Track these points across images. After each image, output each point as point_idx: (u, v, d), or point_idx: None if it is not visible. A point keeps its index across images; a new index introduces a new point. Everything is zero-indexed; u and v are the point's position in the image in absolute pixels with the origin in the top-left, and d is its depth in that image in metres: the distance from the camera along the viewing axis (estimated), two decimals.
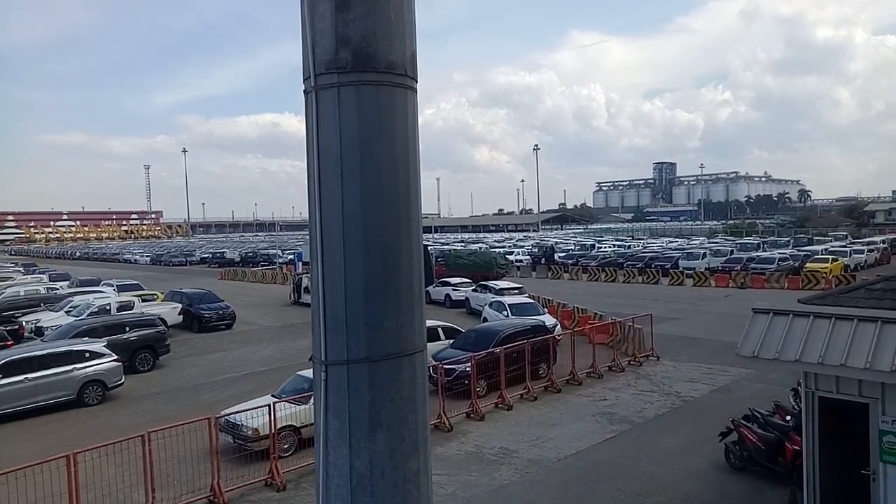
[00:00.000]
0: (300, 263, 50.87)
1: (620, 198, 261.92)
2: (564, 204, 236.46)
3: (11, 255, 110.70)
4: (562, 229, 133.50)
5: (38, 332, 23.44)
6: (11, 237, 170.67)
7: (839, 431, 8.35)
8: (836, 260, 39.71)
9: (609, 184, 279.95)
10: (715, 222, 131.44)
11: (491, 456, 12.68)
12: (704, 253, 47.97)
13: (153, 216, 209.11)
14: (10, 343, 20.37)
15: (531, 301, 26.37)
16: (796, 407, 11.60)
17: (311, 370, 12.66)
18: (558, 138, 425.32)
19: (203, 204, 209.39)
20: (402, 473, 3.46)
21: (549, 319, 22.89)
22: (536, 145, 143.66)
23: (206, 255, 79.17)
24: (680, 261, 46.14)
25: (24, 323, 24.14)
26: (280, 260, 65.58)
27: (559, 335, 20.49)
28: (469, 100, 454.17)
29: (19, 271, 52.90)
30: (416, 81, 3.51)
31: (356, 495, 3.41)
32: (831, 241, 56.95)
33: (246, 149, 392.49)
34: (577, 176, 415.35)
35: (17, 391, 15.88)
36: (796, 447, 10.06)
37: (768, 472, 11.00)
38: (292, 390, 13.82)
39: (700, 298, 33.90)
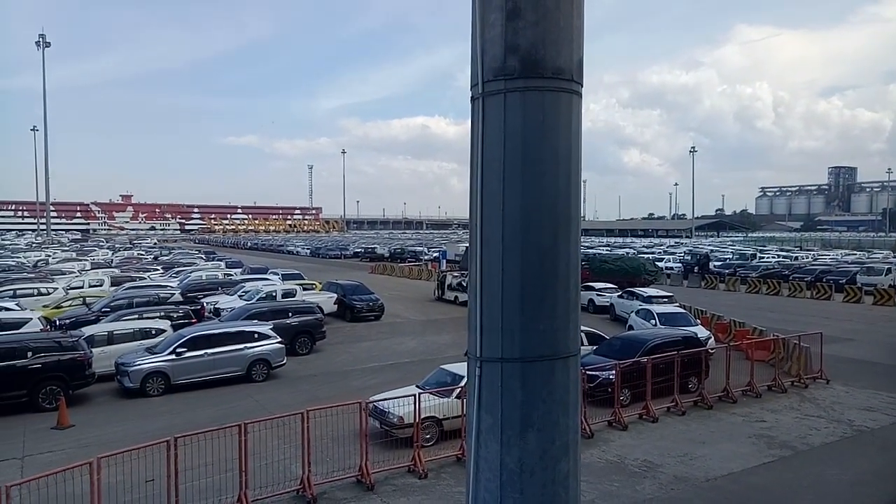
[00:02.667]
0: (444, 261, 52.32)
1: (788, 204, 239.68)
2: (722, 210, 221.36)
3: (195, 243, 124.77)
4: (718, 237, 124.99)
5: (216, 312, 26.24)
6: (196, 227, 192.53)
7: None
8: None
9: (775, 189, 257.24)
10: None
11: (634, 468, 12.24)
12: (889, 268, 42.52)
13: (313, 212, 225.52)
14: (193, 321, 23.01)
15: (682, 311, 25.02)
16: None
17: (453, 365, 13.07)
18: (716, 140, 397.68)
19: (357, 202, 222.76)
20: (551, 474, 3.49)
21: (701, 331, 21.57)
22: (693, 147, 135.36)
23: (358, 250, 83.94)
24: (858, 276, 41.29)
25: (204, 304, 27.12)
26: (426, 257, 67.88)
27: (712, 348, 19.26)
28: (619, 101, 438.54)
29: (202, 258, 59.55)
30: (582, 86, 3.52)
31: (506, 491, 3.50)
32: None
33: (397, 150, 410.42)
34: (736, 181, 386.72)
35: (199, 364, 17.92)
36: None
37: None
38: (435, 383, 14.29)
39: (881, 319, 30.16)
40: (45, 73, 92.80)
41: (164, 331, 20.00)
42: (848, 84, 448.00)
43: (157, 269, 43.92)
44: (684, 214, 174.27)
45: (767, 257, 60.64)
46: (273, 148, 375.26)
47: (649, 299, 27.51)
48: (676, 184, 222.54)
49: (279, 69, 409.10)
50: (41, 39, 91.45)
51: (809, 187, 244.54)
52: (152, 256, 63.95)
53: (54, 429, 14.56)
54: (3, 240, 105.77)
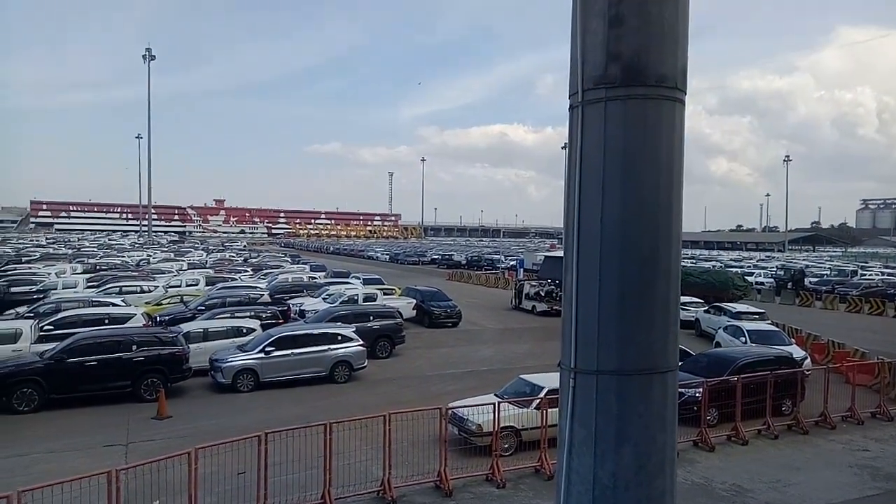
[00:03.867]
0: (522, 270, 51.94)
1: (893, 218, 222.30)
2: (818, 223, 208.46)
3: (282, 246, 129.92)
4: (814, 251, 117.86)
5: (301, 314, 27.16)
6: (282, 231, 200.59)
7: None
8: None
9: (879, 201, 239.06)
10: None
11: (722, 491, 11.70)
12: None
13: (392, 218, 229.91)
14: (280, 321, 23.95)
15: (775, 329, 23.69)
16: None
17: (532, 375, 12.95)
18: (812, 149, 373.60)
19: (435, 209, 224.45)
20: (646, 491, 3.41)
21: (796, 351, 20.35)
22: (787, 156, 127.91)
23: (436, 257, 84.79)
24: None
25: (291, 305, 28.15)
26: (503, 265, 67.64)
27: (808, 370, 18.13)
28: (706, 107, 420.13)
29: (287, 261, 61.89)
30: (685, 93, 3.44)
31: None
32: None
33: (475, 158, 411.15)
34: (835, 192, 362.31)
35: (285, 363, 18.63)
36: None
37: None
38: (514, 392, 14.20)
39: None
40: (150, 85, 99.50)
41: (253, 330, 20.90)
42: None
43: (247, 271, 45.93)
44: (776, 227, 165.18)
45: (870, 274, 56.55)
46: (355, 155, 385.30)
47: (738, 315, 26.24)
48: (768, 194, 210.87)
49: (363, 78, 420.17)
50: (147, 53, 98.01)
51: None
52: (242, 258, 67.00)
53: (154, 419, 15.51)
54: (109, 240, 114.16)
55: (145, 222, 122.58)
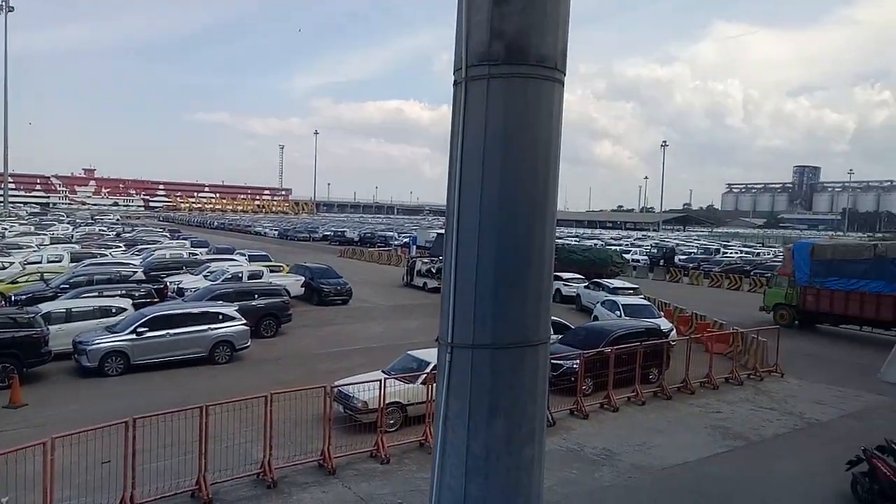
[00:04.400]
0: (414, 247, 52.23)
1: (752, 201, 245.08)
2: (689, 205, 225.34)
3: (160, 220, 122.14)
4: (684, 231, 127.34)
5: (180, 292, 25.73)
6: (161, 205, 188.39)
7: None
8: None
9: (741, 186, 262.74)
10: (860, 234, 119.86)
11: (593, 455, 12.46)
12: None
13: (283, 193, 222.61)
14: (155, 300, 22.55)
15: (646, 303, 25.46)
16: None
17: (419, 351, 13.09)
18: (686, 136, 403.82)
19: (328, 184, 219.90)
20: (516, 460, 3.53)
21: (664, 323, 21.99)
22: (664, 142, 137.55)
23: (327, 233, 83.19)
24: None
25: (168, 283, 26.58)
26: (396, 242, 67.66)
27: (674, 340, 19.66)
28: (594, 92, 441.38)
29: (166, 236, 58.33)
30: (565, 75, 3.51)
31: (471, 476, 3.52)
32: None
33: (370, 133, 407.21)
34: (704, 176, 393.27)
35: (160, 344, 17.58)
36: None
37: None
38: (401, 368, 14.29)
39: None
40: (7, 40, 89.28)
41: (124, 309, 19.54)
42: (817, 85, 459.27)
43: (120, 246, 42.89)
44: (653, 208, 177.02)
45: (730, 252, 62.04)
46: (245, 126, 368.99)
47: (615, 291, 27.91)
48: (646, 177, 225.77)
49: (256, 46, 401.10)
50: (4, 3, 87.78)
51: (774, 185, 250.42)
52: (114, 233, 62.41)
53: (6, 408, 14.15)
54: None
55: (0, 192, 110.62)
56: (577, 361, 15.26)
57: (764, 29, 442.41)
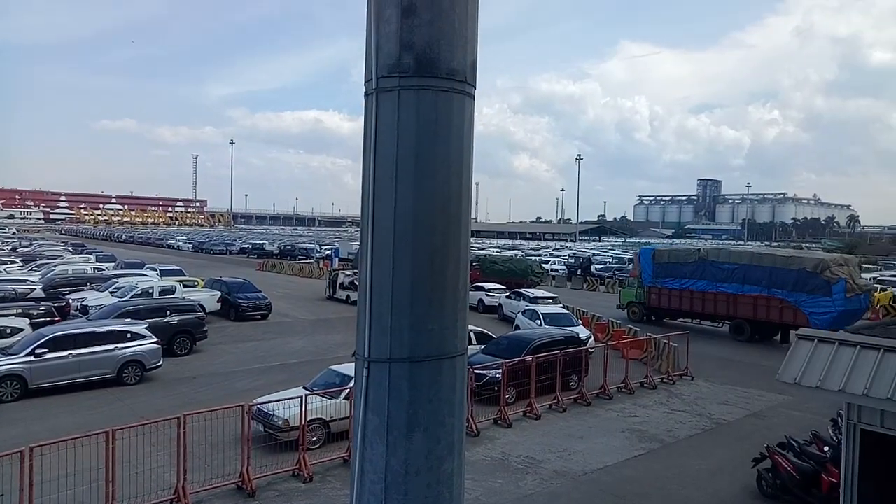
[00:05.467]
0: (336, 259, 51.50)
1: (662, 213, 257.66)
2: (604, 216, 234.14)
3: (62, 234, 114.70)
4: (600, 241, 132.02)
5: (84, 310, 24.21)
6: (63, 217, 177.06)
7: (880, 466, 8.08)
8: (886, 290, 38.31)
9: (651, 198, 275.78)
10: (759, 243, 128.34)
11: (517, 464, 12.63)
12: None
13: (197, 205, 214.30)
14: (57, 319, 21.11)
15: (565, 311, 26.18)
16: (835, 438, 11.27)
17: (342, 365, 12.87)
18: (599, 149, 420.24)
19: (246, 195, 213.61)
20: (436, 475, 3.50)
21: (582, 331, 22.68)
22: (579, 155, 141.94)
23: (245, 246, 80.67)
24: None
25: (70, 301, 24.94)
26: (317, 255, 66.43)
27: (592, 348, 20.29)
28: (511, 106, 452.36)
29: (68, 250, 54.81)
30: (475, 88, 3.56)
31: (390, 493, 3.46)
32: (881, 269, 55.00)
33: (289, 144, 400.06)
34: (617, 188, 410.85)
35: (62, 366, 16.45)
36: (833, 479, 9.78)
37: (801, 502, 10.70)
38: (323, 384, 14.01)
39: None
40: None
41: (21, 329, 18.21)
42: (716, 102, 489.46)
43: (16, 262, 39.95)
44: (570, 219, 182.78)
45: None
46: (153, 134, 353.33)
47: (535, 300, 28.54)
48: (563, 189, 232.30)
49: (164, 50, 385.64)
50: None
51: (680, 197, 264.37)
52: (10, 248, 58.06)
53: None
54: None
55: None
56: (500, 371, 15.45)
57: (667, 49, 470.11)
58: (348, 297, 34.99)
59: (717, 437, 14.74)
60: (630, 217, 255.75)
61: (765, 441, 11.96)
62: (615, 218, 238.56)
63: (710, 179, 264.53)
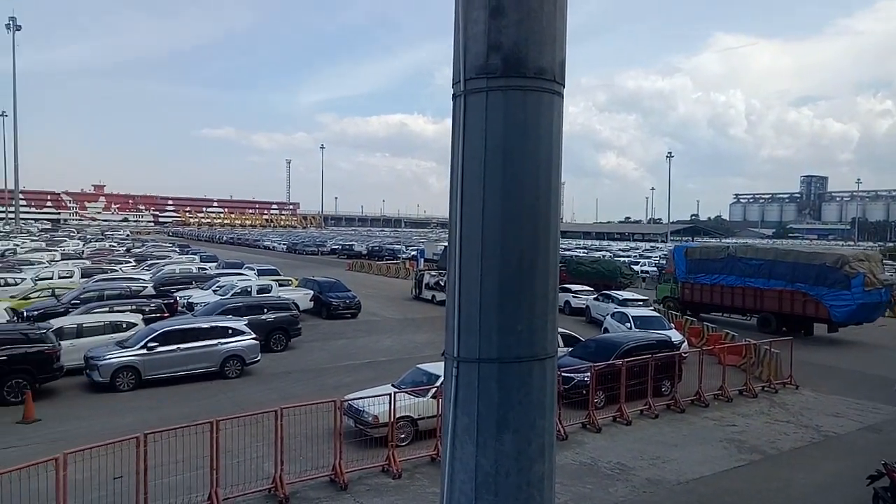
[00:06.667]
0: (422, 260, 52.25)
1: (761, 211, 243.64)
2: (697, 215, 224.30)
3: (170, 236, 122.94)
4: (693, 242, 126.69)
5: (190, 307, 25.84)
6: (170, 220, 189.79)
7: None
8: None
9: (748, 196, 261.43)
10: (870, 243, 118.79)
11: (607, 470, 12.33)
12: None
13: (290, 207, 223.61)
14: (165, 315, 22.64)
15: (657, 314, 25.29)
16: None
17: (429, 364, 13.05)
18: (691, 146, 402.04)
19: (335, 198, 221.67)
20: (526, 477, 3.48)
21: (675, 335, 21.82)
22: (670, 152, 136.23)
23: (336, 247, 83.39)
24: None
25: (178, 298, 26.68)
26: (404, 255, 67.70)
27: (685, 352, 19.49)
28: (596, 104, 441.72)
29: (175, 251, 58.67)
30: (564, 87, 3.51)
31: (480, 493, 3.47)
32: None
33: (375, 147, 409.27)
34: (711, 186, 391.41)
35: (171, 359, 17.64)
36: None
37: None
38: (411, 382, 14.24)
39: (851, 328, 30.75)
40: (16, 57, 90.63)
41: (135, 324, 19.63)
42: (819, 94, 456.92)
43: (130, 262, 43.18)
44: (660, 219, 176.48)
45: None
46: (250, 141, 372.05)
47: (625, 302, 27.76)
48: (653, 188, 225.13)
49: (259, 62, 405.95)
50: (11, 22, 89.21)
51: (782, 195, 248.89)
52: (124, 248, 62.87)
53: (19, 423, 14.22)
54: None
55: (12, 209, 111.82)
56: (588, 374, 15.15)
57: (764, 40, 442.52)
58: (434, 296, 35.41)
59: (826, 450, 13.77)
60: (725, 216, 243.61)
61: (882, 457, 11.03)
62: (709, 217, 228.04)
63: (815, 176, 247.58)
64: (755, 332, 26.29)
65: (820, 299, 25.75)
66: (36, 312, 22.42)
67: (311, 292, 30.13)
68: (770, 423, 15.52)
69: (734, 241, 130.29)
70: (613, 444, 13.77)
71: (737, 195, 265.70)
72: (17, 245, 59.12)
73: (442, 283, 35.51)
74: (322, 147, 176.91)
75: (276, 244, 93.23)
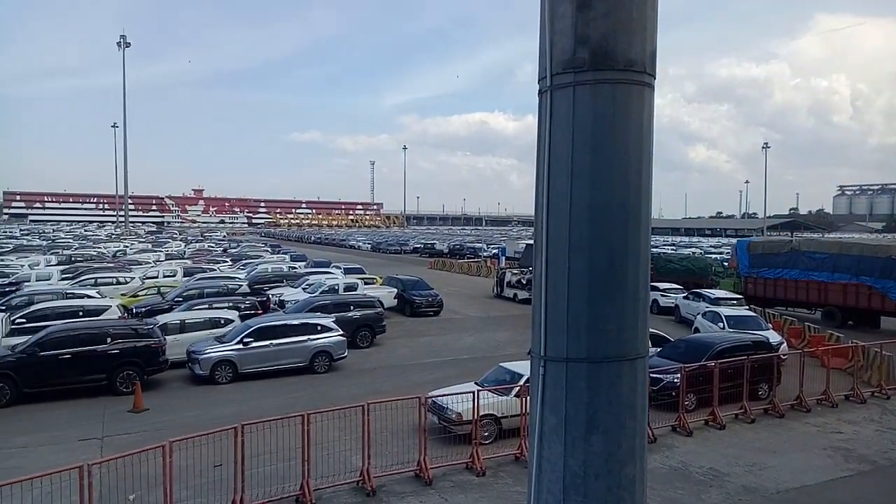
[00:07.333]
0: (503, 258, 52.05)
1: (869, 204, 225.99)
2: (796, 209, 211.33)
3: (262, 236, 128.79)
4: (792, 237, 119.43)
5: (281, 304, 26.95)
6: (262, 221, 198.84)
7: None
8: None
9: (854, 187, 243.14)
10: None
11: (699, 475, 11.84)
12: None
13: (375, 207, 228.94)
14: (259, 312, 23.72)
15: (752, 314, 24.01)
16: None
17: (512, 363, 12.98)
18: (789, 136, 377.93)
19: (417, 197, 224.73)
20: (616, 479, 3.40)
21: (773, 336, 20.65)
22: (766, 143, 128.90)
23: (418, 245, 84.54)
24: None
25: (270, 296, 27.90)
26: (485, 253, 67.70)
27: (784, 354, 18.40)
28: (685, 95, 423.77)
29: (268, 251, 61.36)
30: (655, 78, 3.39)
31: (568, 494, 3.42)
32: None
33: (456, 146, 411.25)
34: (811, 178, 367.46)
35: (265, 354, 18.48)
36: None
37: None
38: (494, 380, 14.23)
39: None
40: (125, 73, 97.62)
41: (232, 321, 20.69)
42: None
43: (226, 261, 45.47)
44: (755, 214, 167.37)
45: None
46: (335, 144, 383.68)
47: (717, 301, 26.54)
48: (747, 181, 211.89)
49: (344, 67, 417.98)
50: (122, 40, 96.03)
51: (893, 186, 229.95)
52: (222, 249, 66.31)
53: (130, 412, 15.32)
54: (85, 231, 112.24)
55: (122, 213, 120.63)
56: (678, 376, 14.61)
57: (872, 19, 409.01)
58: (515, 295, 35.20)
59: None
60: (829, 209, 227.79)
61: None
62: (810, 211, 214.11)
63: None
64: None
65: (885, 292, 25.71)
66: (143, 309, 24.07)
67: (395, 290, 30.70)
68: (881, 431, 14.41)
69: (837, 235, 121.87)
70: (705, 449, 13.20)
71: (841, 187, 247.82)
72: (127, 246, 63.71)
73: (524, 282, 35.25)
74: (404, 148, 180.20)
75: (361, 243, 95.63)
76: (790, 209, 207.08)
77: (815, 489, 11.33)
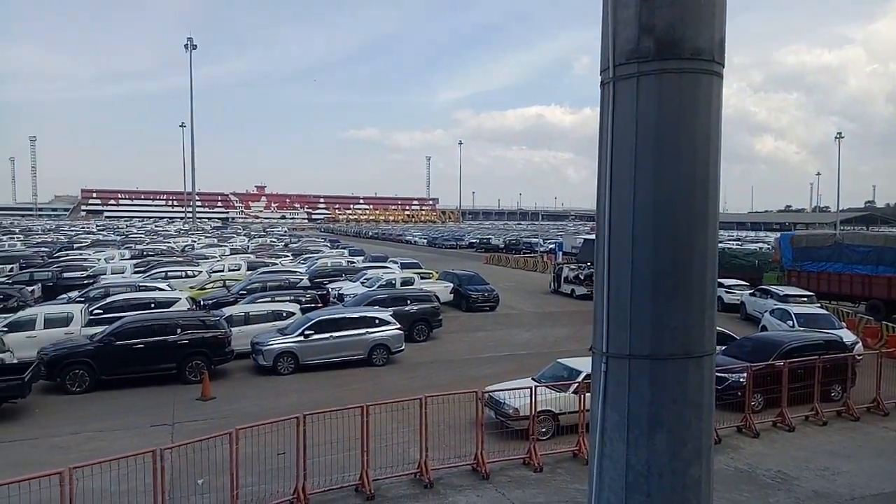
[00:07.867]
0: (560, 253, 51.45)
1: None
2: (872, 202, 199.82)
3: (322, 231, 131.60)
4: (868, 231, 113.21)
5: (340, 298, 27.51)
6: (322, 217, 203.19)
7: None
8: None
9: None
10: None
11: (766, 478, 11.41)
12: None
13: (430, 202, 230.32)
14: (319, 305, 24.27)
15: (824, 312, 22.92)
16: None
17: (570, 359, 12.78)
18: (864, 125, 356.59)
19: (473, 192, 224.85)
20: (682, 479, 3.32)
21: (846, 335, 19.65)
22: (839, 133, 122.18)
23: (473, 240, 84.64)
24: None
25: (330, 290, 28.51)
26: (541, 249, 67.09)
27: (860, 354, 17.49)
28: (751, 84, 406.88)
29: (327, 246, 62.67)
30: (723, 66, 3.29)
31: (631, 492, 3.37)
32: None
33: (512, 141, 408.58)
34: (890, 170, 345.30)
35: (325, 346, 18.91)
36: None
37: None
38: (551, 376, 14.10)
39: None
40: (192, 74, 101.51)
41: (293, 313, 21.24)
42: None
43: (288, 256, 46.68)
44: (827, 207, 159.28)
45: None
46: (392, 140, 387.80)
47: (785, 298, 25.49)
48: (818, 173, 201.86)
49: (400, 64, 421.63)
50: (189, 42, 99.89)
51: None
52: (283, 244, 68.12)
53: (199, 400, 15.95)
54: (156, 226, 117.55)
55: (190, 209, 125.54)
56: (745, 375, 14.10)
57: None
58: (573, 291, 34.75)
59: None
60: None
61: None
62: (887, 204, 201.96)
63: None
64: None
65: None
66: (210, 301, 25.03)
67: (451, 285, 30.82)
68: None
69: None
70: (773, 451, 12.71)
71: None
72: (195, 241, 66.28)
73: (581, 277, 34.76)
74: (460, 143, 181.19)
75: (417, 238, 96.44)
76: (866, 202, 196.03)
77: (893, 497, 10.74)
